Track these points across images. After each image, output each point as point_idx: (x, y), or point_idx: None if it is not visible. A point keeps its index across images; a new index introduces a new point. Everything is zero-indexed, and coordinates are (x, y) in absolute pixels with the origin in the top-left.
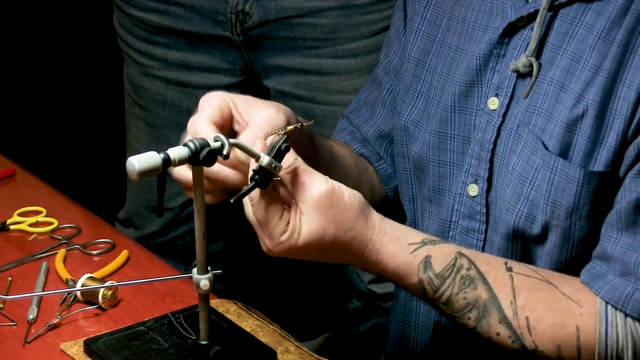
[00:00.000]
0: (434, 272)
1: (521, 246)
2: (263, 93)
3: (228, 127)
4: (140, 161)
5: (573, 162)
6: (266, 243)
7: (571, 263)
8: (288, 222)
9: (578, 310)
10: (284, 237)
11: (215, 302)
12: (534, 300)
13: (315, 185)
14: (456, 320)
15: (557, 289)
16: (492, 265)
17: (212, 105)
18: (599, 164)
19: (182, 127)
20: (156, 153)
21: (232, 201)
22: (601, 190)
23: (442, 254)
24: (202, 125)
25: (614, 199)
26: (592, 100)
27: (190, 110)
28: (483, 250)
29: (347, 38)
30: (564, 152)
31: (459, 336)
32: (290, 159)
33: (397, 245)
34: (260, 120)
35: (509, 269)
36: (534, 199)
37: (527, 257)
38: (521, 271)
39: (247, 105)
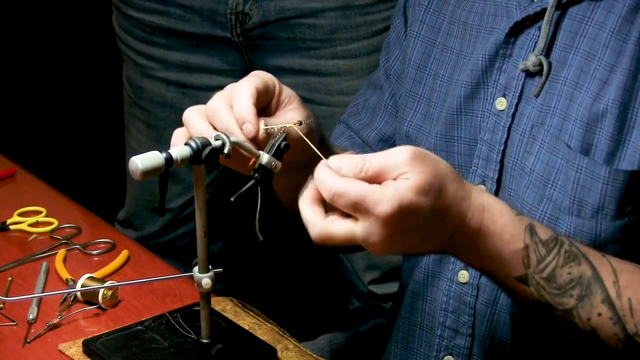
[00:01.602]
0: (541, 239)
1: None
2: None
3: (263, 103)
4: (143, 161)
5: (597, 160)
6: (376, 209)
7: None
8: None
9: None
10: (389, 190)
11: (212, 301)
12: (635, 283)
13: (397, 150)
14: (555, 298)
15: None
16: (587, 247)
17: (261, 77)
18: (623, 162)
19: None
20: (158, 152)
21: (232, 199)
22: (630, 190)
23: (541, 225)
24: (244, 92)
25: None
26: (613, 100)
27: None
28: None
29: (347, 39)
30: (586, 152)
31: (463, 335)
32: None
33: (499, 203)
34: (282, 121)
35: (603, 255)
36: (557, 199)
37: None
38: (613, 257)
39: (288, 99)
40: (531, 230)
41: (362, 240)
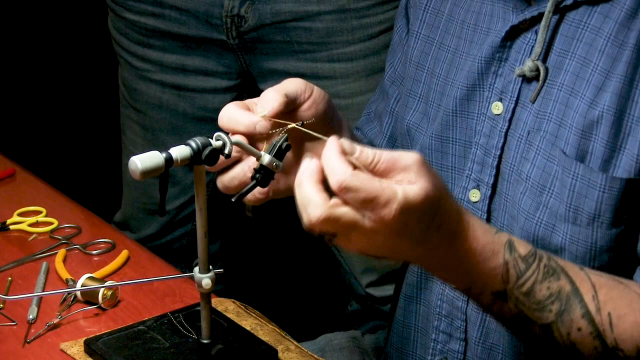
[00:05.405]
0: (520, 254)
1: None
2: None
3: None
4: (143, 161)
5: (593, 168)
6: (384, 210)
7: None
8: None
9: None
10: (399, 193)
11: (214, 301)
12: (614, 298)
13: (408, 154)
14: (534, 313)
15: (630, 288)
16: (566, 262)
17: (287, 85)
18: (619, 170)
19: (177, 130)
20: (158, 152)
21: (233, 200)
22: (626, 198)
23: (520, 241)
24: (270, 94)
25: None
26: (608, 107)
27: (186, 114)
28: None
29: (343, 42)
30: (581, 159)
31: (457, 340)
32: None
33: (481, 222)
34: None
35: (581, 268)
36: (553, 206)
37: None
38: (592, 270)
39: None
40: (510, 246)
41: (365, 232)
